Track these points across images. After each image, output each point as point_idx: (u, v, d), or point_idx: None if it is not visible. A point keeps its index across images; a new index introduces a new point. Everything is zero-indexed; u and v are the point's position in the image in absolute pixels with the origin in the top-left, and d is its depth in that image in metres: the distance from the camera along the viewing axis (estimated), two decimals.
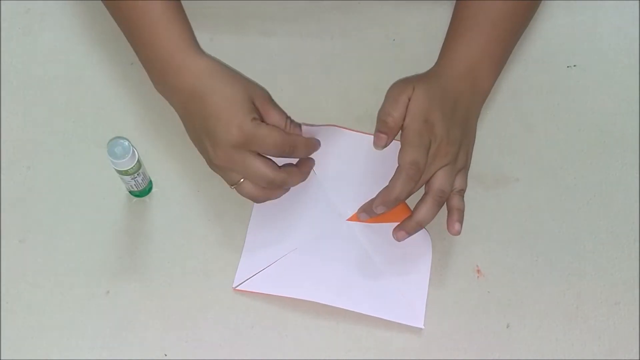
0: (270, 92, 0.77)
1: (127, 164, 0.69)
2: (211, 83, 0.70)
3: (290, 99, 0.77)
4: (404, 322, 0.70)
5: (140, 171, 0.72)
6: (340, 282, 0.71)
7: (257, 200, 0.72)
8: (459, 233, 0.71)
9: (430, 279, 0.72)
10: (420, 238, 0.72)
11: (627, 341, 0.71)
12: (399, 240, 0.71)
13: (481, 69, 0.75)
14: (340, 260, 0.72)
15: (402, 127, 0.71)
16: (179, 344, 0.70)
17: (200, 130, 0.70)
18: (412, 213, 0.71)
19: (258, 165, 0.68)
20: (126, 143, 0.69)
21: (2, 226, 0.74)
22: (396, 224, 0.72)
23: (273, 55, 0.82)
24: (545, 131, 0.80)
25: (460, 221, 0.71)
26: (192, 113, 0.71)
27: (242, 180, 0.70)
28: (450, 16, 0.78)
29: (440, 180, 0.70)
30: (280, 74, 0.80)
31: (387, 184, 0.69)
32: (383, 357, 0.70)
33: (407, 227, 0.70)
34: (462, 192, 0.73)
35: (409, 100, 0.71)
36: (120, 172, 0.70)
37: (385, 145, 0.72)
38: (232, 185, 0.71)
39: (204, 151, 0.71)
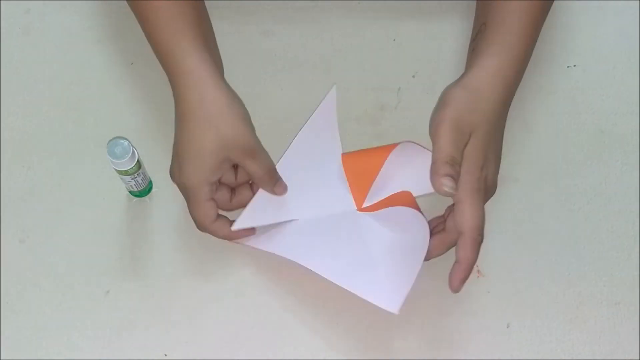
0: (270, 92, 0.77)
1: (127, 164, 0.69)
2: (189, 124, 0.69)
3: (290, 99, 0.77)
4: (378, 305, 0.67)
5: (140, 171, 0.72)
6: (329, 253, 0.70)
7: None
8: None
9: (428, 278, 0.71)
10: (417, 227, 0.70)
11: (627, 341, 0.71)
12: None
13: (514, 84, 0.72)
14: (337, 236, 0.72)
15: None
16: (179, 344, 0.70)
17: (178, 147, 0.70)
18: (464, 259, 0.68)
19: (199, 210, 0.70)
20: (126, 143, 0.69)
21: (2, 226, 0.74)
22: (401, 207, 0.71)
23: (273, 55, 0.82)
24: (545, 131, 0.79)
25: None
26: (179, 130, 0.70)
27: None
28: (450, 16, 0.78)
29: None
30: (280, 74, 0.80)
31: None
32: (383, 357, 0.70)
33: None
34: None
35: (465, 145, 0.68)
36: (120, 172, 0.70)
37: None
38: None
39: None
